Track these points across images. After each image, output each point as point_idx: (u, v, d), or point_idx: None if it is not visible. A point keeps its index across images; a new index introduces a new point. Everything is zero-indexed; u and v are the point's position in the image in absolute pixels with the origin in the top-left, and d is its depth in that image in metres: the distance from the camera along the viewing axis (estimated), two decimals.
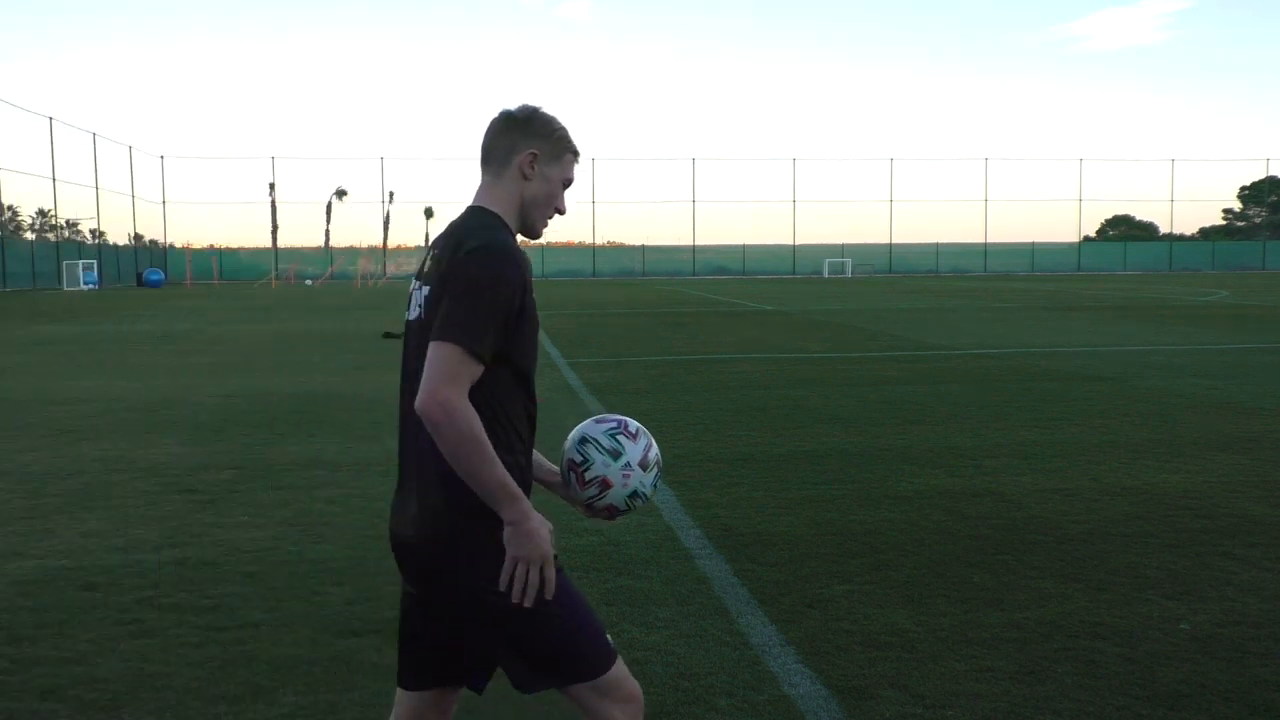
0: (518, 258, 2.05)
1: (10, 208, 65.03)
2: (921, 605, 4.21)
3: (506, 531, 2.01)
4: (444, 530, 2.06)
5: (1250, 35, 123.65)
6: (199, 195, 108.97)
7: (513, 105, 2.22)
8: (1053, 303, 28.23)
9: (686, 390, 10.67)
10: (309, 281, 55.28)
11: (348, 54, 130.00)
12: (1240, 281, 46.54)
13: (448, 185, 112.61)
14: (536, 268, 64.20)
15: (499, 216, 2.15)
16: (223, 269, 59.59)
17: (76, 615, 4.16)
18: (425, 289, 2.10)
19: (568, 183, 2.23)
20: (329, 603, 4.28)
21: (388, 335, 17.69)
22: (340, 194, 74.22)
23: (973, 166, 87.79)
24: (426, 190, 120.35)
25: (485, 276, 1.99)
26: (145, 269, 51.52)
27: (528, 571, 2.01)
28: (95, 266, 47.02)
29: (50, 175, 47.67)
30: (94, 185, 52.20)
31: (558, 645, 2.07)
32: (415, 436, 2.10)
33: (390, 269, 65.96)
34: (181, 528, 5.46)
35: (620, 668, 2.14)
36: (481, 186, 2.20)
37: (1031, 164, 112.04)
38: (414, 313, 2.14)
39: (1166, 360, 13.08)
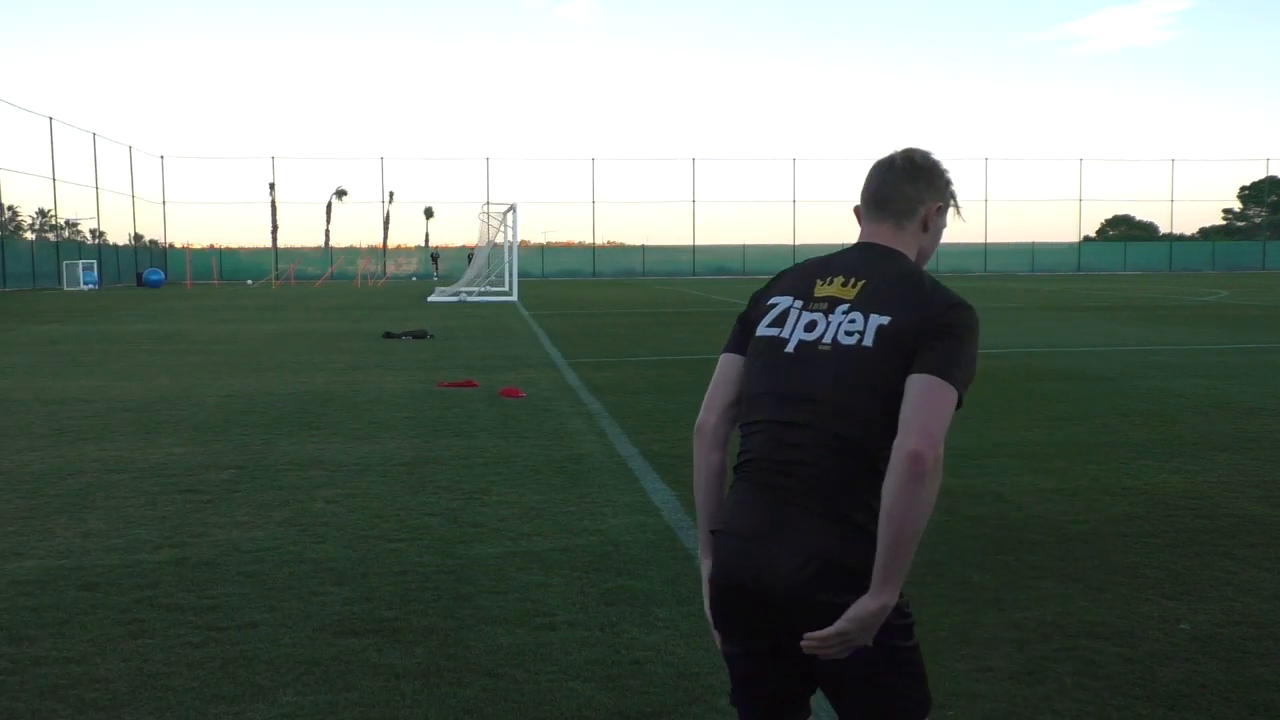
0: None
1: (10, 208, 65.06)
2: (921, 605, 4.20)
3: (875, 606, 1.84)
4: (832, 576, 1.87)
5: (1250, 35, 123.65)
6: (199, 195, 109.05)
7: (914, 150, 2.16)
8: (1053, 303, 28.24)
9: (686, 390, 10.67)
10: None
11: (348, 54, 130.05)
12: (1240, 281, 46.55)
13: (448, 185, 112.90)
14: (536, 268, 64.20)
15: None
16: (223, 269, 59.59)
17: (76, 615, 4.16)
18: (856, 314, 1.96)
19: None
20: (329, 603, 4.28)
21: (388, 335, 17.70)
22: (340, 194, 74.25)
23: (973, 166, 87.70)
24: (426, 190, 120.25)
25: (975, 330, 1.94)
26: (145, 269, 51.50)
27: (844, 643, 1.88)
28: (95, 266, 47.02)
29: (50, 175, 47.71)
30: (94, 185, 52.23)
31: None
32: (822, 472, 1.90)
33: (390, 269, 65.95)
34: (181, 528, 5.46)
35: None
36: (880, 230, 2.11)
37: (1031, 164, 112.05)
38: (829, 335, 1.96)
39: (1166, 360, 13.08)
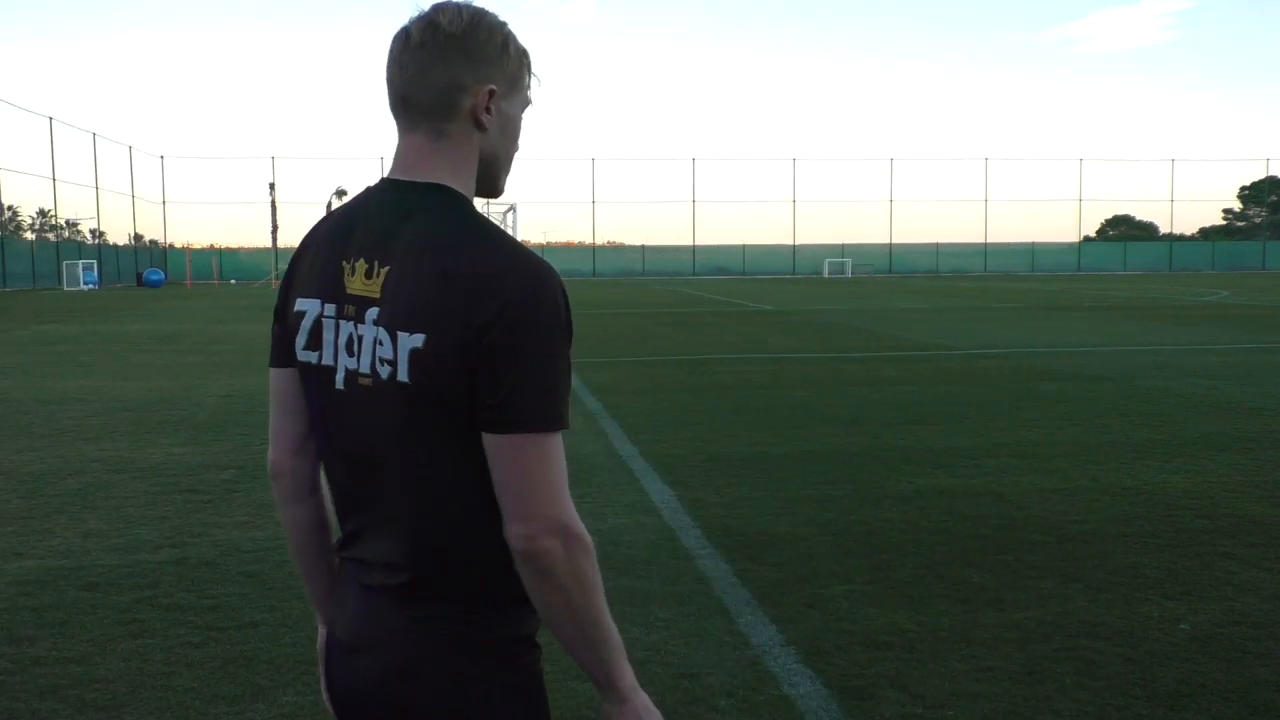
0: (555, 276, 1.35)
1: (10, 208, 65.07)
2: (921, 605, 4.21)
3: (621, 712, 1.39)
4: (451, 679, 1.40)
5: (1250, 35, 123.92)
6: (199, 195, 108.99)
7: (442, 9, 1.38)
8: (1053, 303, 28.24)
9: (686, 390, 10.67)
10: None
11: (348, 54, 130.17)
12: (1240, 281, 46.54)
13: None
14: None
15: (466, 199, 1.41)
16: (223, 269, 59.58)
17: (76, 615, 4.16)
18: (383, 330, 1.35)
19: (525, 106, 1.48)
20: None
21: None
22: (340, 194, 74.21)
23: (973, 166, 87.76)
24: None
25: (555, 320, 1.32)
26: (145, 269, 51.49)
27: None
28: (95, 266, 47.00)
29: (50, 175, 47.68)
30: (94, 185, 52.23)
31: None
32: (407, 575, 1.40)
33: None
34: (181, 528, 5.46)
35: None
36: (413, 146, 1.41)
37: (1031, 164, 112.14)
38: (366, 362, 1.38)
39: (1166, 360, 13.08)
